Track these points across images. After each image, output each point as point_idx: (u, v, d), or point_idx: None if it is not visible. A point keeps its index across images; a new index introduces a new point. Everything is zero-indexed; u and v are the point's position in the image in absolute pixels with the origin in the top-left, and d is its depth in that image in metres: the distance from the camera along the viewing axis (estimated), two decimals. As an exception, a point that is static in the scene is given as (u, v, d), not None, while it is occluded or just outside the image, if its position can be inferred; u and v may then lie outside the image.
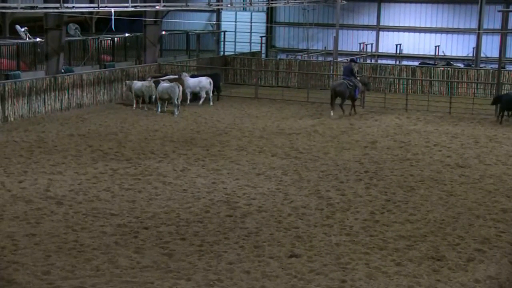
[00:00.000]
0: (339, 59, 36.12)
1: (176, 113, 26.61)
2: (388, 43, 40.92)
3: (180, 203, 15.59)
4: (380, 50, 41.27)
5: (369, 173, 18.54)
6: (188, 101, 29.19)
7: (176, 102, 26.66)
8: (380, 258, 12.51)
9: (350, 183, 17.59)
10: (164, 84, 26.86)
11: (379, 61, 39.90)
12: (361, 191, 16.84)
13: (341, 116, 26.93)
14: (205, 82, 29.27)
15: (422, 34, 40.58)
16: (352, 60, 29.85)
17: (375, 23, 41.34)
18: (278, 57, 41.02)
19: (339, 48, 37.21)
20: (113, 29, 27.83)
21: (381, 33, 41.29)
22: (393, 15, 41.00)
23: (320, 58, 39.83)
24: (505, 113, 26.54)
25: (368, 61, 39.61)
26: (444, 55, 39.54)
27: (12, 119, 24.71)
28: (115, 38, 34.01)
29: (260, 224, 14.31)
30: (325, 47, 41.54)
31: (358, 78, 28.14)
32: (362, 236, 13.69)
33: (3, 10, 30.14)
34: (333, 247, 13.07)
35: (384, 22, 41.23)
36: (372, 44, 41.33)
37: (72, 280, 11.30)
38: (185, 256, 12.48)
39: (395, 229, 14.08)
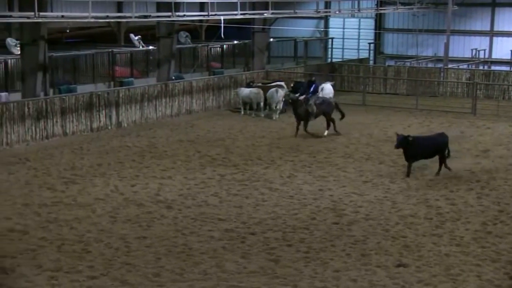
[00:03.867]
0: (449, 66, 35.15)
1: (275, 118, 27.23)
2: (502, 49, 39.36)
3: (287, 210, 15.61)
4: (493, 56, 39.79)
5: (481, 183, 17.91)
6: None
7: (276, 107, 27.38)
8: (492, 271, 12.05)
9: (460, 192, 17.05)
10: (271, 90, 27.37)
11: (492, 68, 38.49)
12: (472, 201, 16.29)
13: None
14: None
15: (539, 39, 38.86)
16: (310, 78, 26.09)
17: (488, 29, 39.91)
18: (387, 63, 40.36)
19: (450, 54, 36.20)
20: (222, 36, 28.28)
21: (494, 38, 39.80)
22: (508, 20, 39.44)
23: (429, 65, 38.89)
24: None
25: (481, 67, 38.31)
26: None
27: (125, 124, 25.59)
28: (224, 46, 34.60)
29: (367, 232, 14.11)
30: (435, 54, 40.53)
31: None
32: (473, 247, 13.23)
33: (119, 20, 31.33)
34: (443, 257, 12.70)
35: (498, 27, 39.71)
36: (485, 50, 39.93)
37: (181, 283, 11.54)
38: (292, 262, 12.47)
39: (509, 241, 13.53)
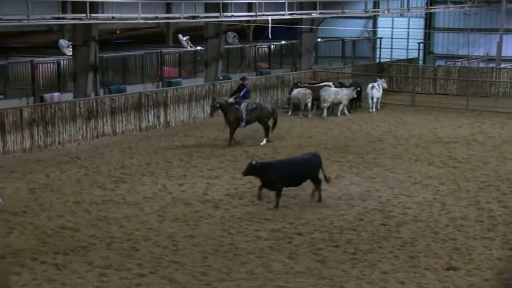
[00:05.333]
0: (502, 66, 34.48)
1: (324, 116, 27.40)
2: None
3: (334, 210, 15.53)
4: (548, 55, 38.87)
5: (535, 185, 17.53)
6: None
7: (325, 105, 27.47)
8: (546, 276, 11.77)
9: (513, 195, 16.71)
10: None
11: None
12: (525, 204, 15.95)
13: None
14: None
15: None
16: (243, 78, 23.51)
17: (543, 27, 39.05)
18: (436, 63, 39.83)
19: (503, 54, 35.54)
20: (270, 36, 28.31)
21: (552, 37, 38.86)
22: None
23: (481, 65, 38.22)
24: None
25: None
26: None
27: (173, 124, 25.82)
28: (272, 46, 34.62)
29: (415, 234, 13.94)
30: (487, 53, 39.81)
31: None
32: (527, 251, 12.95)
33: (168, 20, 31.67)
34: (495, 261, 12.46)
35: (556, 25, 38.78)
36: (539, 49, 39.03)
37: (228, 282, 11.58)
38: (338, 263, 12.40)
39: None
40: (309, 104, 27.82)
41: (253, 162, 15.66)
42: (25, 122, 21.04)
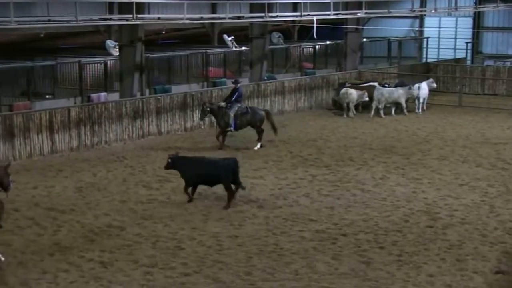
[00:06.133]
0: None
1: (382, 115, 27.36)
2: None
3: (379, 212, 15.39)
4: None
5: None
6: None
7: (378, 105, 27.37)
8: None
9: None
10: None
11: None
12: None
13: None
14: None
15: None
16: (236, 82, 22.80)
17: None
18: (485, 63, 39.13)
19: (557, 54, 34.75)
20: (315, 37, 28.21)
21: None
22: None
23: (532, 65, 37.43)
24: None
25: None
26: None
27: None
28: (316, 46, 34.50)
29: (463, 236, 13.71)
30: (538, 53, 39.02)
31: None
32: None
33: (213, 21, 31.82)
34: (545, 265, 12.19)
35: None
36: None
37: (272, 282, 11.56)
38: (383, 265, 12.27)
39: None
40: (351, 104, 27.53)
41: (171, 157, 15.93)
42: (72, 121, 21.36)
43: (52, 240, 13.54)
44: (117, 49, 25.81)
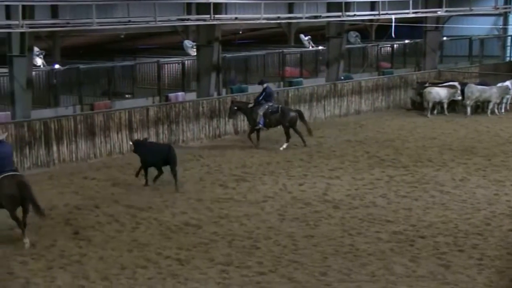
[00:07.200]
0: None
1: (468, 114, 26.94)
2: None
3: (459, 214, 15.00)
4: None
5: None
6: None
7: (468, 103, 26.87)
8: None
9: None
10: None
11: None
12: None
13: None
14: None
15: None
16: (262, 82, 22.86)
17: None
18: None
19: None
20: (393, 36, 27.77)
21: None
22: None
23: None
24: None
25: None
26: None
27: (294, 124, 25.82)
28: (395, 45, 33.98)
29: (548, 241, 13.22)
30: None
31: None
32: None
33: (290, 20, 31.79)
34: None
35: None
36: None
37: (348, 283, 11.43)
38: (463, 269, 11.95)
39: None
40: (430, 104, 27.01)
41: (132, 140, 17.97)
42: (151, 120, 21.75)
43: (131, 236, 13.81)
44: (195, 49, 26.11)
